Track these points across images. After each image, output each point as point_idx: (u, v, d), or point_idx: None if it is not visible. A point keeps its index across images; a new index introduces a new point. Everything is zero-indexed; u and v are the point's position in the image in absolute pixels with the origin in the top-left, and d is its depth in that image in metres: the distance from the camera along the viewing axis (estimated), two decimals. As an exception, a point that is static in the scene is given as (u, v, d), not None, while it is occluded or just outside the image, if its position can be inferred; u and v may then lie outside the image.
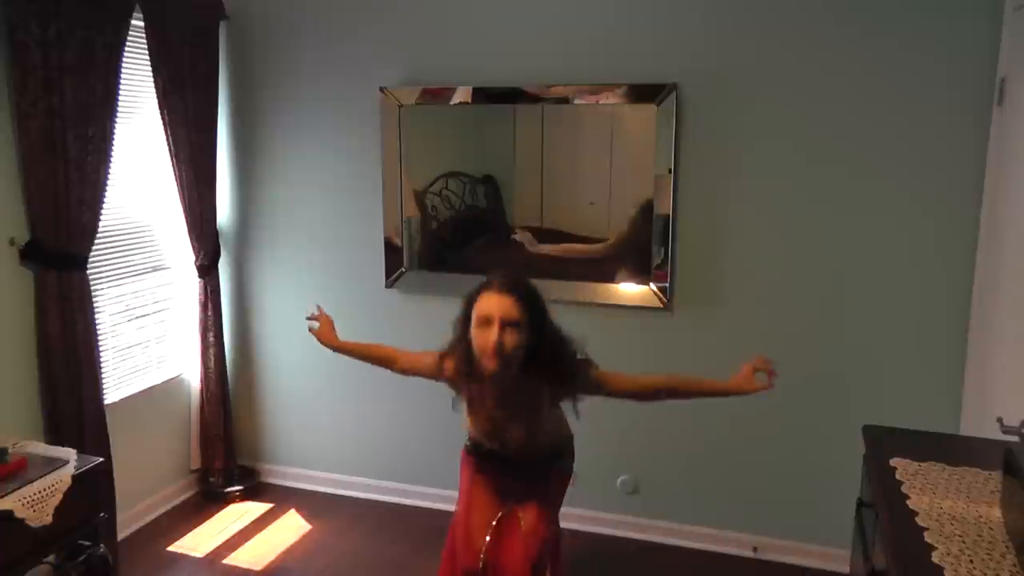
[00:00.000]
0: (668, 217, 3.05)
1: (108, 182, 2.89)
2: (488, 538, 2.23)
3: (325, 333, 2.60)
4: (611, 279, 3.17)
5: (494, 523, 2.26)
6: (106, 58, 2.82)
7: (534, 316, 2.08)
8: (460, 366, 2.18)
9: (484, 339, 2.04)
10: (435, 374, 2.29)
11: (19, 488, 2.19)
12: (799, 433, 3.09)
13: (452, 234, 3.40)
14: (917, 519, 1.58)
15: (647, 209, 3.07)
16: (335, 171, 3.50)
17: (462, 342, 2.15)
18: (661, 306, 3.13)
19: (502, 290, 2.05)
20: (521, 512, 2.29)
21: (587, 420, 3.30)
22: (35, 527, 2.21)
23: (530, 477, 2.39)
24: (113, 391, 3.19)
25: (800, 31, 2.85)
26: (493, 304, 2.04)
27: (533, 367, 2.12)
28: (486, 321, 2.04)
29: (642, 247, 3.10)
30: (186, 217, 3.38)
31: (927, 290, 2.85)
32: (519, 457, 2.38)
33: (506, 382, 2.16)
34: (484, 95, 3.18)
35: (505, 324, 2.02)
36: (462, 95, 3.20)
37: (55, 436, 2.79)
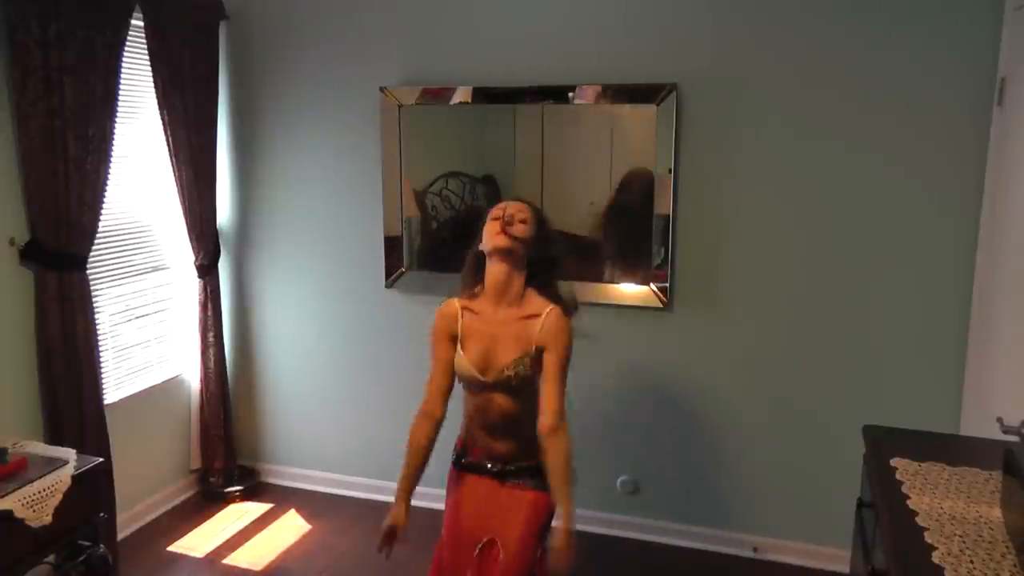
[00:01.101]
0: (668, 217, 3.05)
1: (108, 182, 2.89)
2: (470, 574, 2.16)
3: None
4: (611, 279, 3.17)
5: (476, 553, 2.18)
6: (106, 58, 2.82)
7: (540, 224, 2.26)
8: (465, 279, 2.30)
9: (494, 225, 2.19)
10: (448, 334, 2.26)
11: (19, 488, 2.19)
12: (799, 433, 3.09)
13: (452, 234, 3.40)
14: (917, 519, 1.58)
15: (647, 208, 3.07)
16: (335, 171, 3.50)
17: (474, 251, 2.29)
18: (661, 306, 3.12)
19: (514, 199, 2.29)
20: (502, 541, 2.18)
21: (587, 420, 3.32)
22: (35, 527, 2.21)
23: (512, 496, 2.26)
24: (113, 391, 3.19)
25: (800, 32, 2.85)
26: (503, 205, 2.25)
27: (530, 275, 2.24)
28: (496, 217, 2.21)
29: (642, 247, 3.10)
30: (186, 217, 3.38)
31: (927, 290, 2.85)
32: (503, 460, 2.28)
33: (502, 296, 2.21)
34: (484, 95, 3.18)
35: (515, 215, 2.21)
36: (462, 95, 3.20)
37: (55, 436, 2.79)
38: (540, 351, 2.19)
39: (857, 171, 2.87)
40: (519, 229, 2.19)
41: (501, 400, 2.23)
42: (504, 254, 2.18)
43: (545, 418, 2.13)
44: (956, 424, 2.81)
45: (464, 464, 2.36)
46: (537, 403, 2.18)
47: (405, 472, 2.27)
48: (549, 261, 2.28)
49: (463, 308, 2.27)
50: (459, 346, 2.24)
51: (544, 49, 3.13)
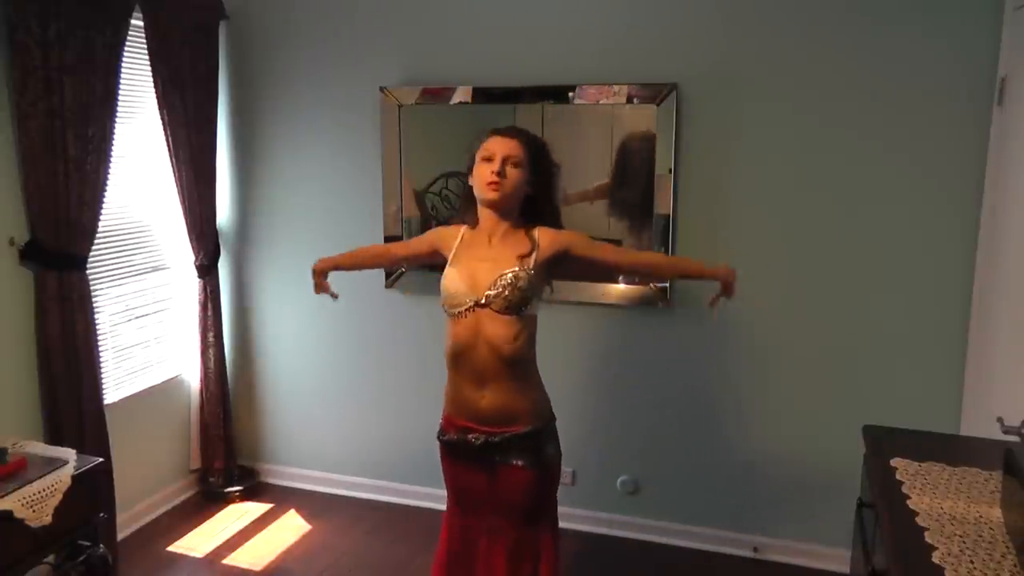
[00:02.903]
0: (668, 217, 3.05)
1: (108, 182, 2.89)
2: None
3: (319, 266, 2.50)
4: (612, 278, 3.17)
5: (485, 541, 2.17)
6: (106, 58, 2.82)
7: (536, 160, 2.14)
8: (464, 205, 2.25)
9: (484, 172, 2.09)
10: (433, 245, 2.29)
11: (19, 488, 2.19)
12: (799, 433, 3.09)
13: (452, 234, 3.40)
14: (917, 519, 1.58)
15: (647, 208, 3.07)
16: (335, 171, 3.50)
17: (465, 189, 2.22)
18: (661, 306, 3.12)
19: (506, 134, 2.13)
20: (514, 532, 2.13)
21: (587, 419, 3.32)
22: (35, 527, 2.20)
23: (507, 481, 2.14)
24: (113, 391, 3.19)
25: (800, 31, 2.85)
26: (496, 144, 2.11)
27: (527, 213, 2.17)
28: (488, 159, 2.10)
29: (642, 246, 3.10)
30: (186, 217, 3.38)
31: (927, 290, 2.85)
32: (490, 422, 2.11)
33: (497, 228, 2.15)
34: (484, 95, 3.18)
35: (506, 160, 2.08)
36: (462, 95, 3.20)
37: (55, 436, 2.79)
38: (550, 265, 2.12)
39: (857, 171, 2.86)
40: (510, 177, 2.08)
41: (491, 328, 2.06)
42: (494, 205, 2.12)
43: (635, 264, 2.38)
44: (956, 424, 2.81)
45: (446, 441, 2.23)
46: (534, 342, 2.13)
47: (340, 255, 2.48)
48: (546, 199, 2.20)
49: (463, 235, 2.22)
50: (448, 266, 2.18)
51: (544, 49, 3.13)
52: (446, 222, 3.34)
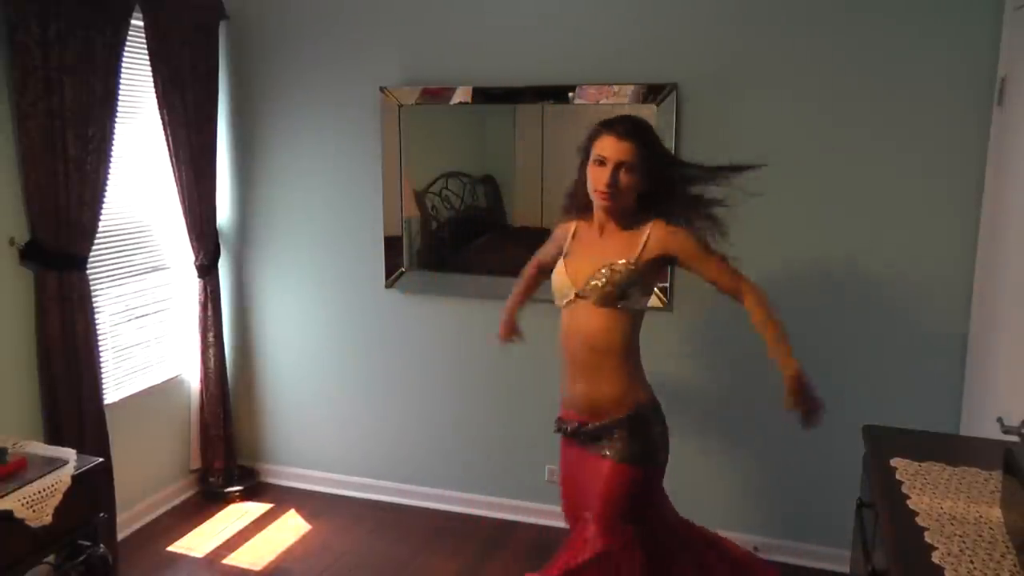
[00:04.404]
0: (668, 217, 3.04)
1: (108, 182, 2.89)
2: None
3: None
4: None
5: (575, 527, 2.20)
6: (106, 58, 2.82)
7: (652, 160, 2.12)
8: (576, 200, 2.26)
9: (598, 177, 2.11)
10: (557, 244, 2.34)
11: (19, 488, 2.19)
12: (799, 433, 3.07)
13: (452, 234, 3.40)
14: (917, 519, 1.58)
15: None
16: (335, 171, 3.50)
17: (580, 177, 2.21)
18: (661, 306, 3.12)
19: (621, 136, 2.10)
20: (590, 517, 2.11)
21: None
22: (35, 527, 2.21)
23: (595, 467, 2.14)
24: (113, 391, 3.19)
25: (800, 32, 2.85)
26: (610, 148, 2.09)
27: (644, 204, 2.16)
28: (601, 162, 2.10)
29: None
30: (186, 217, 3.38)
31: (927, 289, 2.85)
32: (586, 411, 2.16)
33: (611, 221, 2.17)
34: (484, 95, 3.18)
35: (620, 166, 2.09)
36: (462, 95, 3.20)
37: (55, 436, 2.79)
38: (657, 264, 2.14)
39: (857, 171, 2.86)
40: (624, 184, 2.09)
41: (585, 319, 2.12)
42: (606, 210, 2.16)
43: (731, 292, 2.19)
44: (956, 424, 2.81)
45: (558, 426, 2.29)
46: (632, 336, 2.15)
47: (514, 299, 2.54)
48: (667, 192, 2.17)
49: (577, 227, 2.27)
50: (561, 261, 2.23)
51: (544, 49, 3.13)
52: (447, 224, 3.38)
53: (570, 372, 2.19)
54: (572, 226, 2.30)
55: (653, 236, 2.13)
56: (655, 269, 2.17)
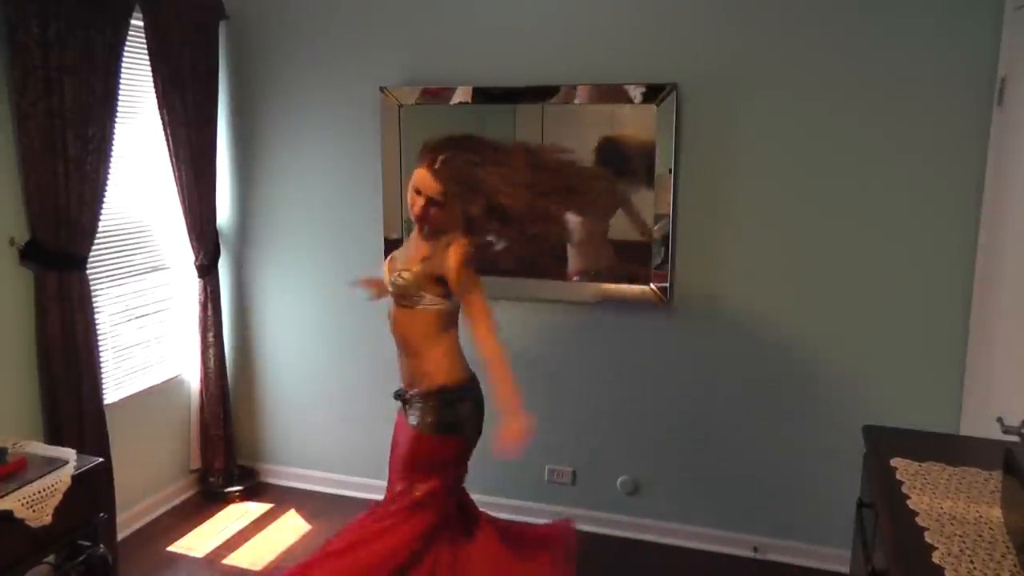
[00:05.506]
0: (668, 217, 3.05)
1: (108, 182, 2.89)
2: None
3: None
4: (611, 279, 3.17)
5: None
6: (106, 58, 2.82)
7: (461, 197, 2.27)
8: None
9: (412, 202, 2.30)
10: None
11: (19, 488, 2.19)
12: (799, 433, 3.09)
13: (452, 234, 3.40)
14: (917, 519, 1.58)
15: (648, 209, 3.07)
16: (335, 171, 3.50)
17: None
18: (661, 306, 3.12)
19: (435, 174, 2.24)
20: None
21: (587, 420, 3.32)
22: (35, 527, 2.21)
23: (403, 431, 2.46)
24: (113, 391, 3.19)
25: (800, 31, 2.85)
26: (421, 180, 2.26)
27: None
28: (417, 192, 2.27)
29: (642, 247, 3.10)
30: (186, 217, 3.38)
31: (927, 290, 2.85)
32: (404, 380, 2.44)
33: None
34: (484, 95, 3.18)
35: (429, 200, 2.26)
36: (462, 95, 3.20)
37: (55, 436, 2.79)
38: (435, 279, 2.29)
39: (857, 171, 2.86)
40: (432, 214, 2.27)
41: (394, 309, 2.39)
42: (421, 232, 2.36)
43: (472, 330, 2.28)
44: (956, 424, 2.81)
45: (396, 393, 2.52)
46: (435, 327, 2.34)
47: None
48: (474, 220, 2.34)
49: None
50: (388, 257, 2.48)
51: (544, 49, 3.13)
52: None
53: (397, 347, 2.44)
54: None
55: (438, 255, 2.28)
56: (435, 282, 2.30)
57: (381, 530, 2.35)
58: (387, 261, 2.50)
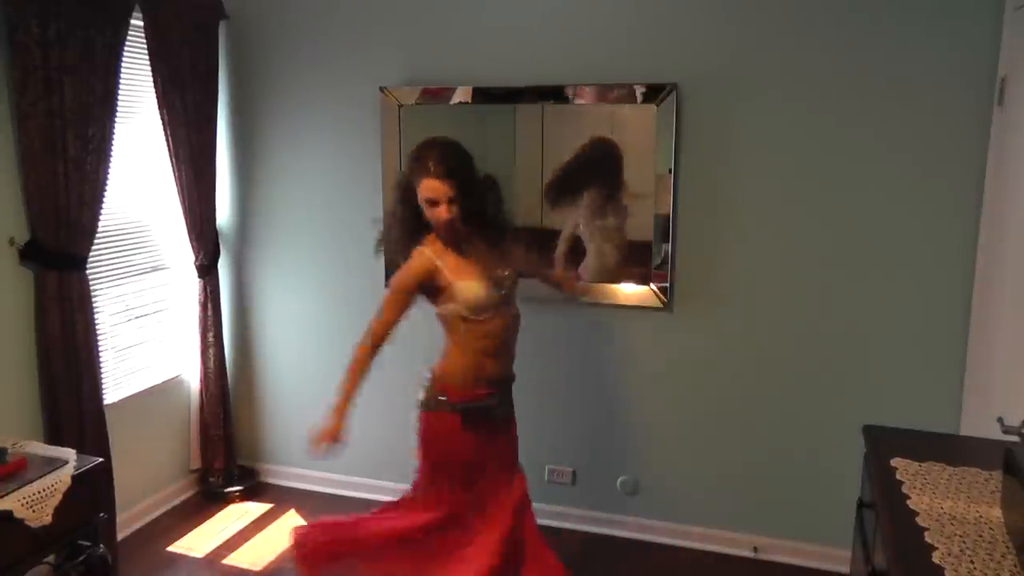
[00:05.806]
0: (668, 217, 3.05)
1: (108, 182, 2.89)
2: None
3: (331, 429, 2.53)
4: (611, 279, 3.17)
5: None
6: (106, 58, 2.82)
7: (464, 185, 2.36)
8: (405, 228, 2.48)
9: (436, 216, 2.35)
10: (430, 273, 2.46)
11: (19, 488, 2.19)
12: (799, 433, 3.09)
13: (452, 234, 3.40)
14: (917, 519, 1.58)
15: (648, 209, 3.07)
16: (335, 171, 3.50)
17: (409, 214, 2.45)
18: (661, 306, 3.12)
19: (440, 177, 2.32)
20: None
21: (587, 420, 3.32)
22: (34, 527, 2.21)
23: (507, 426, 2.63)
24: (113, 391, 3.19)
25: (800, 31, 2.85)
26: (434, 189, 2.33)
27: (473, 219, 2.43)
28: (433, 203, 2.34)
29: (642, 247, 3.10)
30: (186, 217, 3.38)
31: (927, 289, 2.85)
32: (505, 382, 2.56)
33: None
34: (484, 95, 3.18)
35: (450, 199, 2.33)
36: (462, 95, 3.20)
37: (55, 436, 2.79)
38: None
39: (857, 171, 2.86)
40: (456, 211, 2.35)
41: (502, 321, 2.47)
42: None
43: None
44: (956, 424, 2.81)
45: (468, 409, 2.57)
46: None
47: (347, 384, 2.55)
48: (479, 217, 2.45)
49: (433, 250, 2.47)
50: (453, 281, 2.41)
51: (544, 49, 3.13)
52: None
53: (486, 355, 2.51)
54: (428, 251, 2.43)
55: (492, 256, 2.46)
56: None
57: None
58: (457, 284, 2.40)
